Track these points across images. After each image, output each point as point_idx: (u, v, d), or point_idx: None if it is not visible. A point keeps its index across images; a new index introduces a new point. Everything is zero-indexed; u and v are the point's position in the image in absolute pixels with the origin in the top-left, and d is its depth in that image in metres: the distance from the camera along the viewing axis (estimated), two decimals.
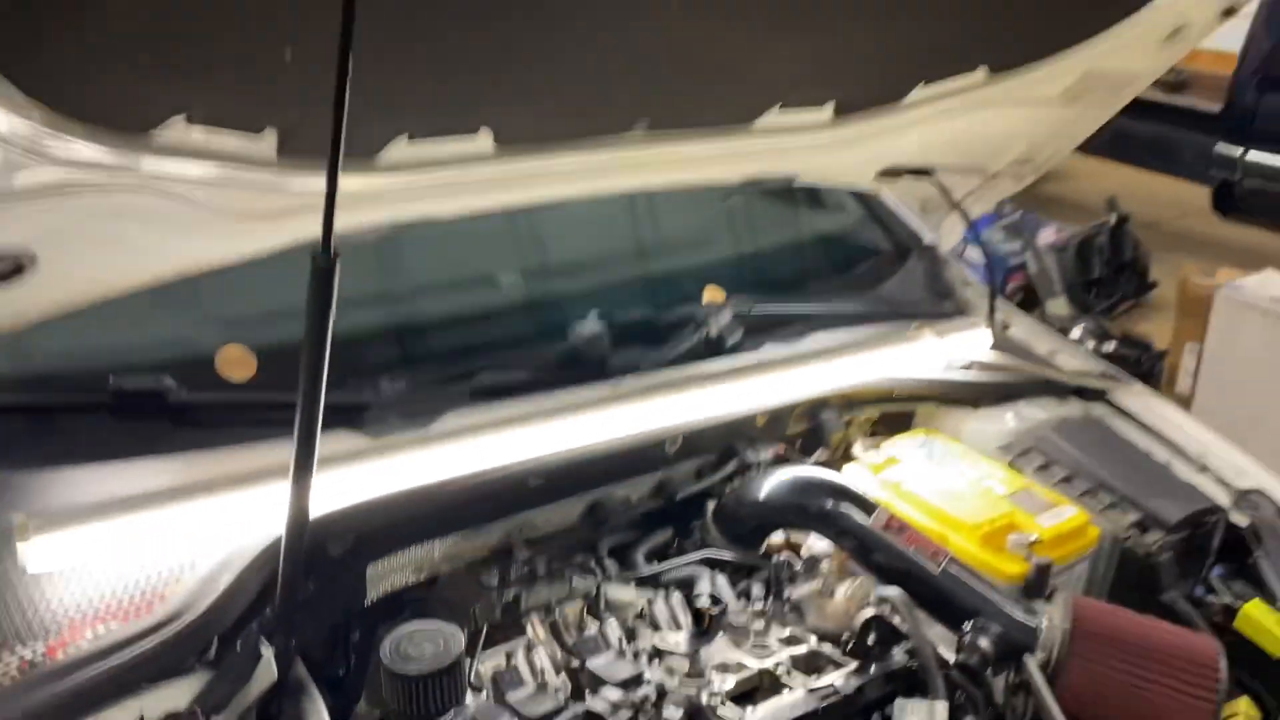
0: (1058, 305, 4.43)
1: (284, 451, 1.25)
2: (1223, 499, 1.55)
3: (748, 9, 1.21)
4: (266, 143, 1.03)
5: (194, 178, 1.01)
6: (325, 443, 1.25)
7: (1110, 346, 4.04)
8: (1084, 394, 1.74)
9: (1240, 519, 1.52)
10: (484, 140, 1.18)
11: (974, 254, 4.75)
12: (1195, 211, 4.78)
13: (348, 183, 1.15)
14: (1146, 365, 3.99)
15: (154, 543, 1.13)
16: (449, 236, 1.42)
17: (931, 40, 1.44)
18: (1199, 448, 1.63)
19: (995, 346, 1.76)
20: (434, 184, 1.19)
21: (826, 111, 1.47)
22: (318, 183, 1.11)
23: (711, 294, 1.69)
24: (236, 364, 1.34)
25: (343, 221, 1.19)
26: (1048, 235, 4.70)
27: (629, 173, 1.38)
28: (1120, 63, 1.54)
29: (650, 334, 1.54)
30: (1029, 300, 4.63)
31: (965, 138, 1.68)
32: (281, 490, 1.20)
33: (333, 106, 0.80)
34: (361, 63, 0.99)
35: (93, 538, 1.10)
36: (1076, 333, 4.10)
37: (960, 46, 1.47)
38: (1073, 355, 1.85)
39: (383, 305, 1.46)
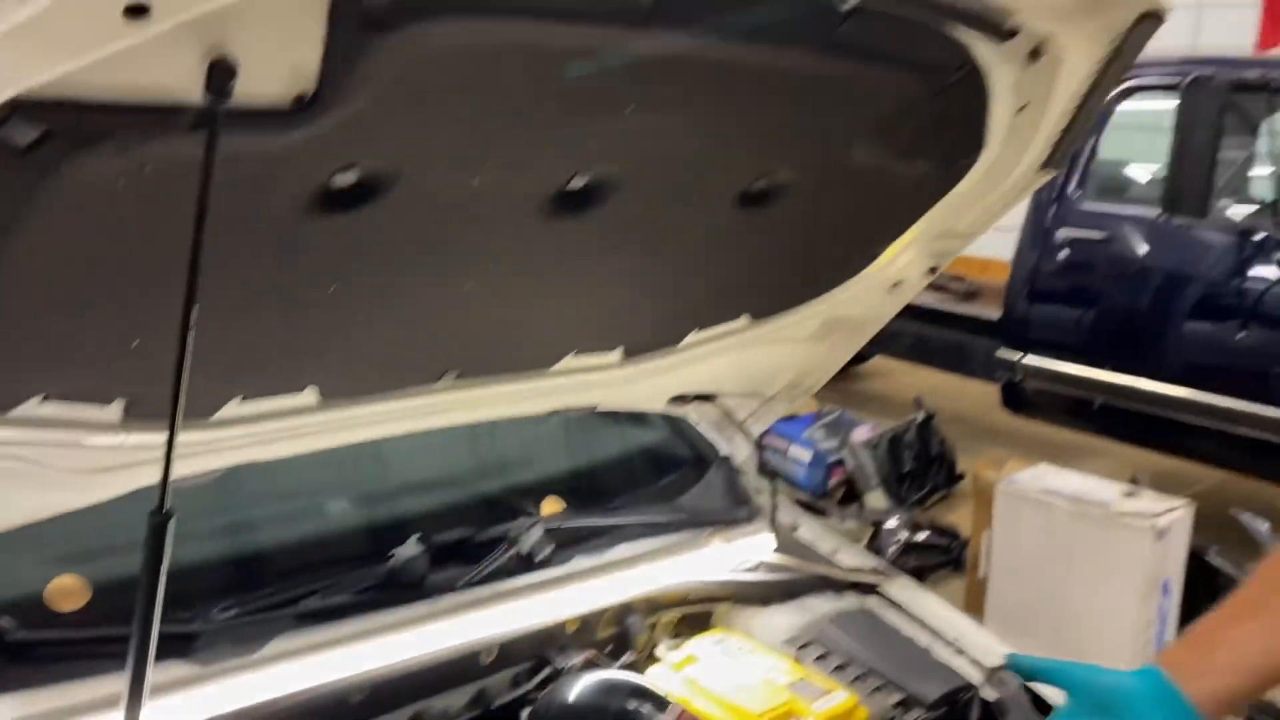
0: (875, 498, 4.78)
1: (120, 682, 1.36)
2: (976, 677, 1.78)
3: (541, 276, 1.46)
4: (114, 409, 1.19)
5: (47, 442, 1.16)
6: (157, 672, 1.36)
7: (922, 536, 4.39)
8: (859, 588, 1.98)
9: (990, 694, 1.75)
10: (309, 396, 1.38)
11: (798, 452, 5.12)
12: (994, 407, 5.29)
13: (184, 437, 1.31)
14: (955, 552, 4.34)
15: None
16: (279, 467, 1.58)
17: (701, 295, 1.73)
18: (955, 632, 1.88)
19: (780, 548, 1.99)
20: (263, 434, 1.37)
21: (616, 355, 1.72)
22: (158, 438, 1.28)
23: (550, 506, 1.88)
24: (68, 594, 1.42)
25: (177, 470, 1.36)
26: (862, 433, 5.11)
27: (442, 414, 1.59)
28: (855, 309, 1.87)
29: (467, 553, 1.70)
30: (850, 494, 4.98)
31: (740, 370, 1.96)
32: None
33: (171, 386, 0.97)
34: (199, 338, 1.19)
35: None
36: (892, 523, 4.44)
37: (726, 300, 1.77)
38: (852, 552, 2.10)
39: (213, 536, 1.59)
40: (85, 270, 1.00)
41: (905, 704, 1.71)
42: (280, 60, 0.86)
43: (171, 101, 0.84)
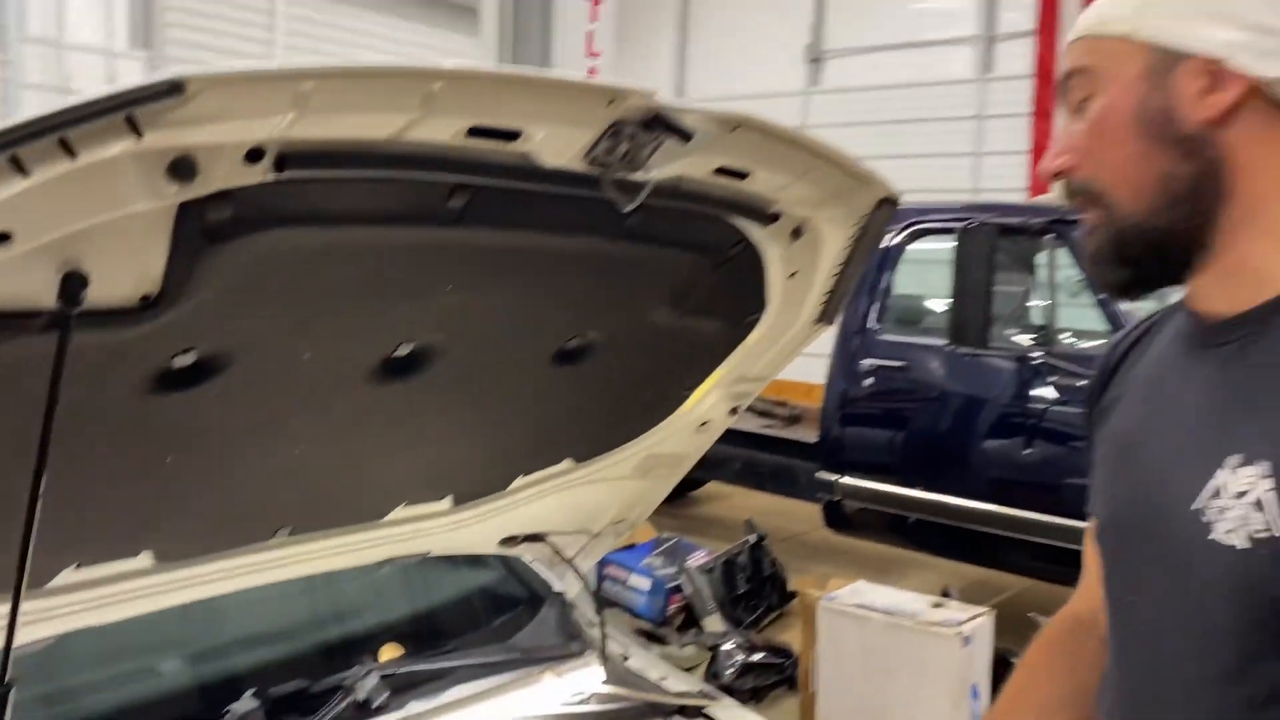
0: (712, 622, 4.92)
1: None
2: None
3: (371, 434, 1.57)
4: None
5: None
6: None
7: (758, 656, 4.54)
8: (686, 712, 2.10)
9: None
10: (145, 559, 1.43)
11: (638, 581, 5.24)
12: (821, 526, 5.57)
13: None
14: (789, 670, 4.50)
15: None
16: (111, 630, 1.60)
17: (526, 443, 1.87)
18: None
19: (609, 679, 2.10)
20: (99, 599, 1.41)
21: (446, 503, 1.83)
22: None
23: (389, 652, 1.93)
24: None
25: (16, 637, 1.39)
26: (698, 558, 5.28)
27: (277, 569, 1.65)
28: (669, 448, 2.05)
29: (304, 705, 1.75)
30: (689, 619, 5.11)
31: (567, 509, 2.10)
32: None
33: (17, 558, 1.04)
34: (19, 510, 1.25)
35: None
36: (729, 646, 4.59)
37: (549, 446, 1.91)
38: (679, 678, 2.23)
39: (48, 705, 1.60)
40: None
41: None
42: (129, 268, 0.97)
43: (28, 308, 0.94)
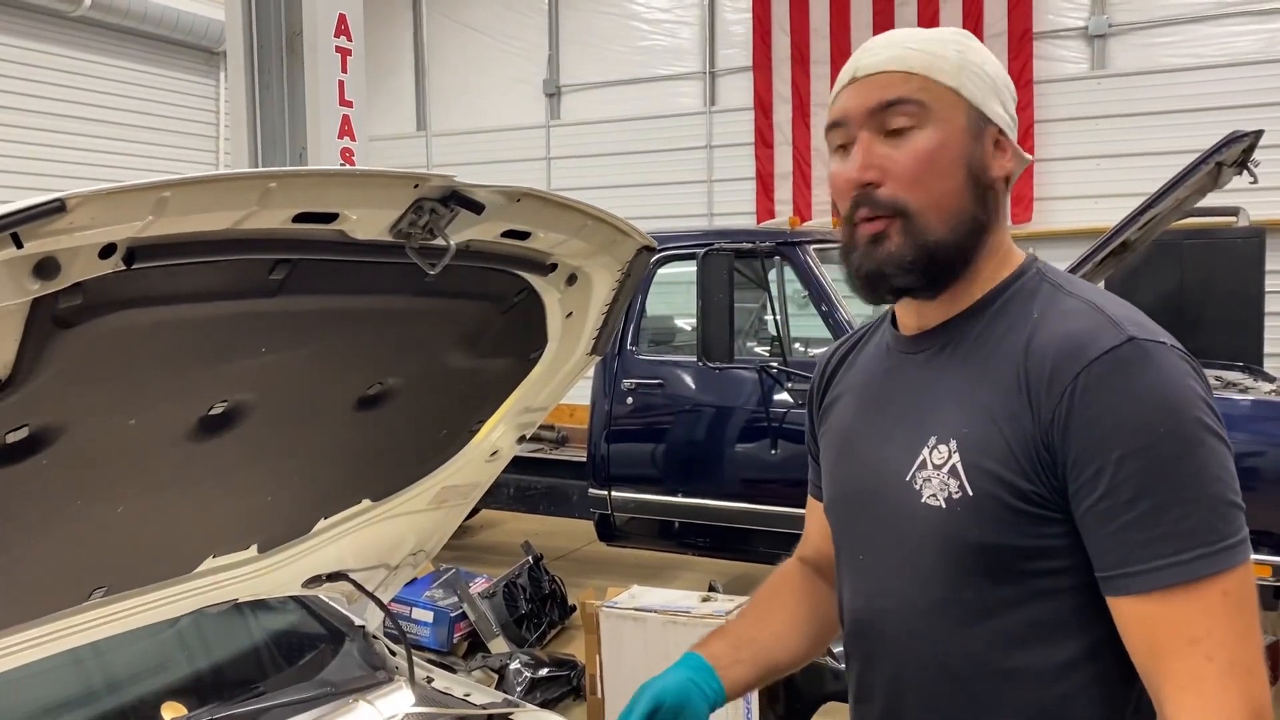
0: (498, 644, 5.07)
1: None
2: None
3: (185, 491, 1.64)
4: None
5: None
6: None
7: (544, 671, 4.73)
8: None
9: None
10: None
11: (421, 614, 5.30)
12: (595, 541, 5.83)
13: None
14: (576, 680, 4.72)
15: None
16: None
17: (327, 488, 1.98)
18: None
19: (419, 701, 2.24)
20: None
21: (252, 550, 1.91)
22: None
23: (170, 710, 1.97)
24: None
25: None
26: (479, 585, 5.41)
27: (90, 630, 1.69)
28: (462, 479, 2.21)
29: None
30: (475, 644, 5.23)
31: (366, 546, 2.21)
32: None
33: None
34: None
35: None
36: (515, 665, 4.75)
37: (348, 488, 2.03)
38: (483, 693, 2.39)
39: None
40: None
41: None
42: None
43: None
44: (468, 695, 2.37)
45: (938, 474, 1.20)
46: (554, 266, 1.71)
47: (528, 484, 6.04)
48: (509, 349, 1.92)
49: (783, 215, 8.46)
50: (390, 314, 1.57)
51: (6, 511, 1.35)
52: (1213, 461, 1.07)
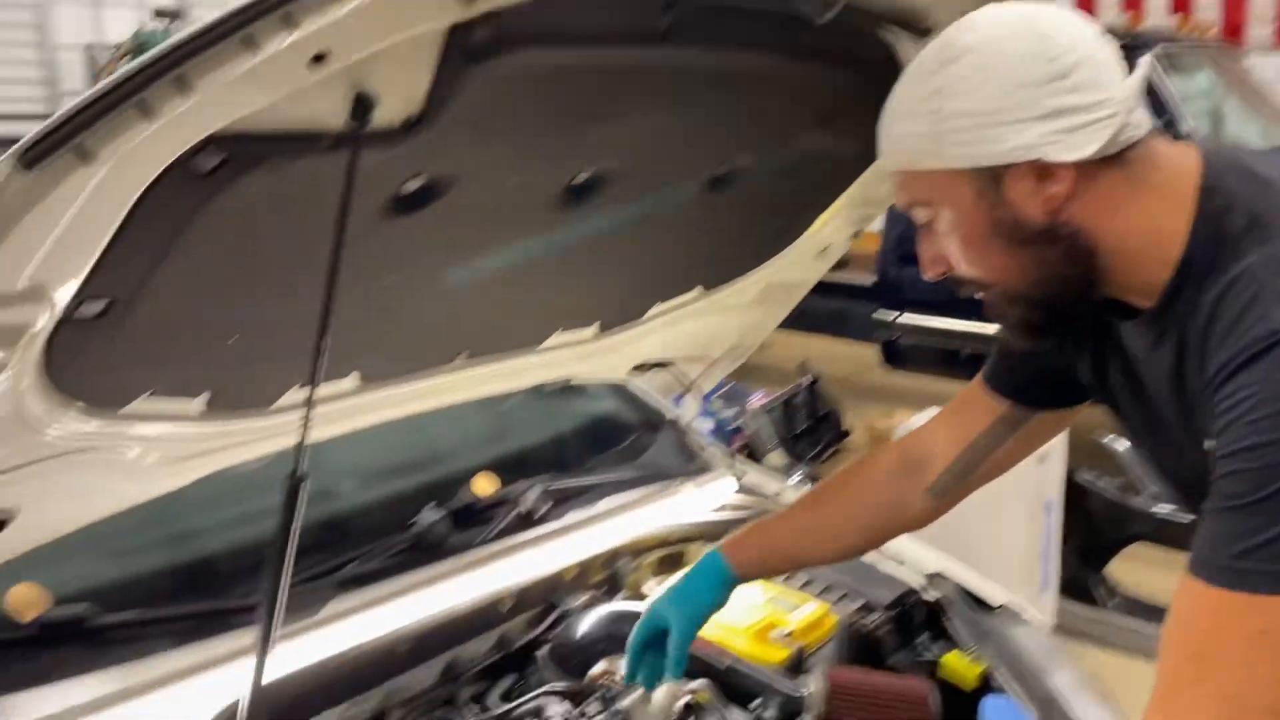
0: (774, 458, 5.11)
1: (192, 654, 1.51)
2: (918, 582, 2.07)
3: (543, 262, 1.66)
4: (199, 402, 1.35)
5: (144, 435, 1.31)
6: (230, 640, 1.52)
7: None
8: None
9: (931, 595, 2.04)
10: (352, 380, 1.55)
11: (701, 424, 5.40)
12: (870, 367, 5.71)
13: (248, 424, 1.47)
14: None
15: None
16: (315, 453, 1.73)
17: (664, 272, 1.96)
18: (895, 546, 2.17)
19: (739, 491, 2.26)
20: (312, 418, 1.53)
21: (593, 330, 1.94)
22: (232, 427, 1.44)
23: (483, 481, 2.07)
24: (28, 603, 1.47)
25: (237, 455, 1.52)
26: (756, 400, 5.44)
27: (454, 391, 1.78)
28: (790, 275, 2.14)
29: (477, 515, 1.90)
30: (751, 456, 5.29)
31: (691, 337, 2.21)
32: (194, 686, 1.46)
33: (311, 361, 1.14)
34: (273, 334, 1.36)
35: None
36: (793, 480, 4.78)
37: (684, 274, 2.01)
38: (791, 490, 2.38)
39: (258, 519, 1.74)
40: (214, 275, 1.16)
41: (865, 609, 1.99)
42: (402, 90, 1.04)
43: (319, 129, 1.01)
44: (779, 493, 2.37)
45: None
46: (928, 31, 1.54)
47: (809, 305, 5.92)
48: (860, 130, 1.78)
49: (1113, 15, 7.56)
50: (760, 79, 1.47)
51: (397, 264, 1.40)
52: None
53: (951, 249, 1.09)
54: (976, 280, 1.11)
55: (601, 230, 1.66)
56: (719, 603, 1.48)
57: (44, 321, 0.99)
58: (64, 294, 0.98)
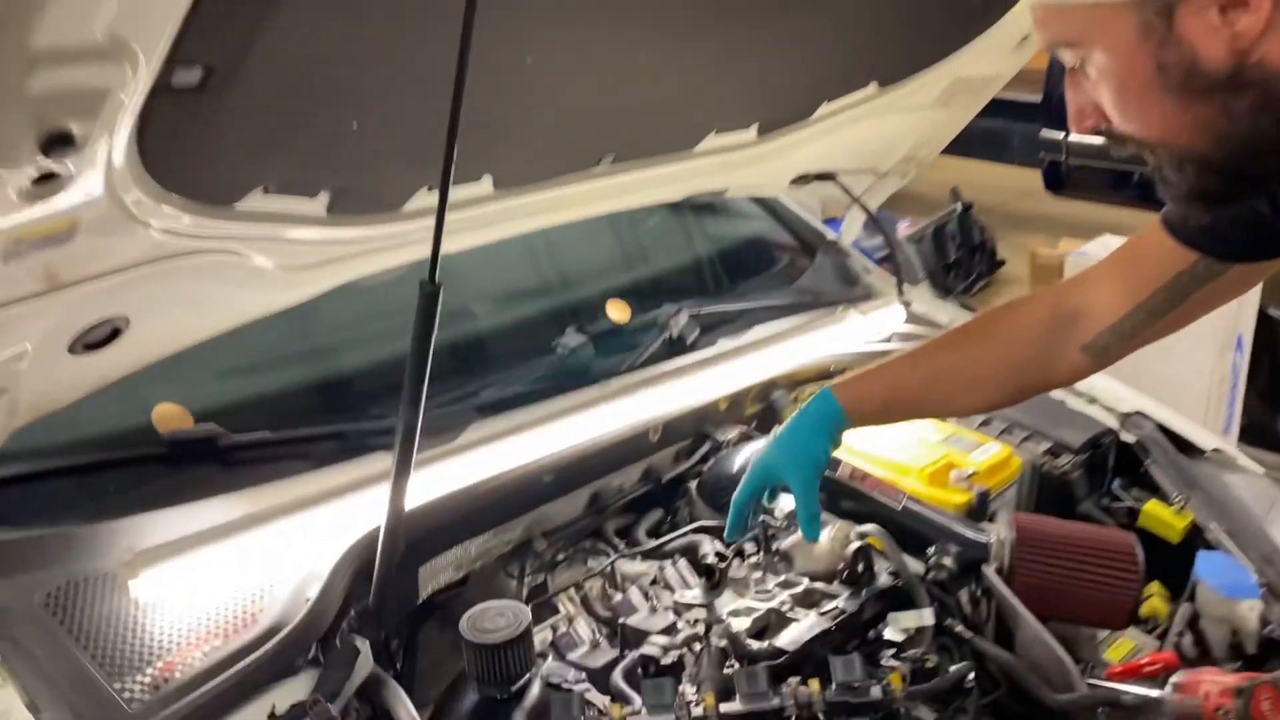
0: (922, 289, 4.82)
1: (326, 478, 1.41)
2: (1112, 423, 1.84)
3: (695, 49, 1.43)
4: (319, 202, 1.19)
5: (260, 237, 1.16)
6: (366, 464, 1.42)
7: None
8: None
9: (1128, 437, 1.81)
10: (485, 184, 1.37)
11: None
12: (1025, 193, 5.28)
13: (378, 230, 1.32)
14: None
15: (240, 568, 1.26)
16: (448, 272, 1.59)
17: (833, 64, 1.69)
18: (1086, 384, 1.93)
19: (907, 320, 2.03)
20: (446, 225, 1.37)
21: (752, 132, 1.70)
22: (356, 233, 1.28)
23: (615, 308, 1.89)
24: (169, 420, 1.41)
25: (364, 266, 1.37)
26: (903, 229, 5.11)
27: (600, 200, 1.59)
28: (981, 68, 1.84)
29: (622, 340, 1.74)
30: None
31: (860, 144, 1.94)
32: (329, 511, 1.36)
33: (443, 158, 0.97)
34: (395, 127, 1.17)
35: (190, 568, 1.23)
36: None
37: (855, 67, 1.73)
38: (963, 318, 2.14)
39: (392, 337, 1.61)
40: (329, 45, 0.98)
41: (1053, 451, 1.77)
42: None
43: None
44: (952, 321, 2.13)
45: None
46: None
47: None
48: None
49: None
50: None
51: (536, 45, 1.18)
52: None
53: (1106, 99, 0.91)
54: (1136, 137, 0.92)
55: (764, 12, 1.40)
56: (829, 454, 1.33)
57: (132, 88, 0.82)
58: (152, 54, 0.81)
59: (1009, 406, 1.54)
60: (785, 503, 1.50)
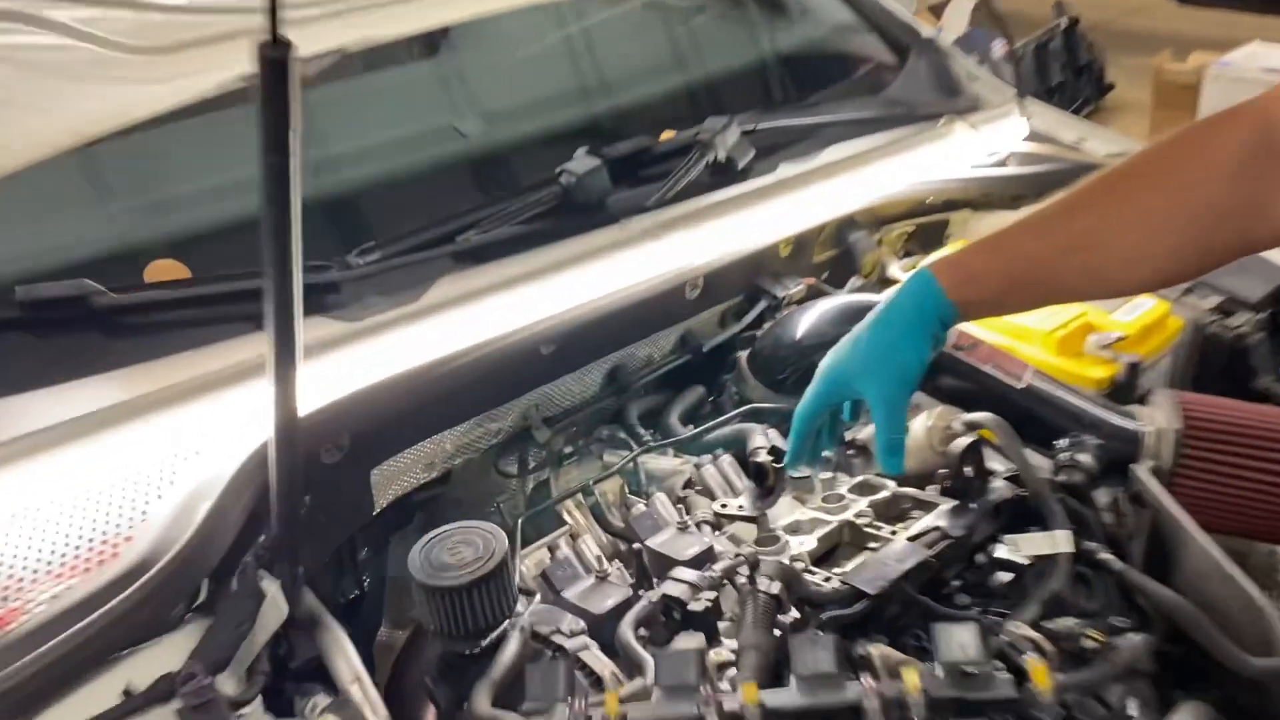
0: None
1: (238, 351, 1.05)
2: None
3: None
4: None
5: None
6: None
7: None
8: None
9: None
10: None
11: None
12: (1145, 6, 4.62)
13: None
14: None
15: (105, 476, 0.92)
16: (388, 90, 1.20)
17: None
18: None
19: (1028, 138, 1.57)
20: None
21: None
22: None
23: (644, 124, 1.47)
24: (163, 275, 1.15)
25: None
26: (999, 48, 4.51)
27: None
28: None
29: (649, 165, 1.33)
30: None
31: None
32: (248, 395, 1.00)
33: None
34: None
35: (31, 477, 0.90)
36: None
37: None
38: (1104, 139, 1.67)
39: (333, 171, 1.23)
40: None
41: (1224, 308, 1.34)
42: None
43: None
44: (1081, 140, 1.67)
45: None
46: None
47: None
48: None
49: None
50: None
51: None
52: None
53: None
54: None
55: None
56: (926, 362, 0.98)
57: None
58: None
59: (1193, 279, 1.18)
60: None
